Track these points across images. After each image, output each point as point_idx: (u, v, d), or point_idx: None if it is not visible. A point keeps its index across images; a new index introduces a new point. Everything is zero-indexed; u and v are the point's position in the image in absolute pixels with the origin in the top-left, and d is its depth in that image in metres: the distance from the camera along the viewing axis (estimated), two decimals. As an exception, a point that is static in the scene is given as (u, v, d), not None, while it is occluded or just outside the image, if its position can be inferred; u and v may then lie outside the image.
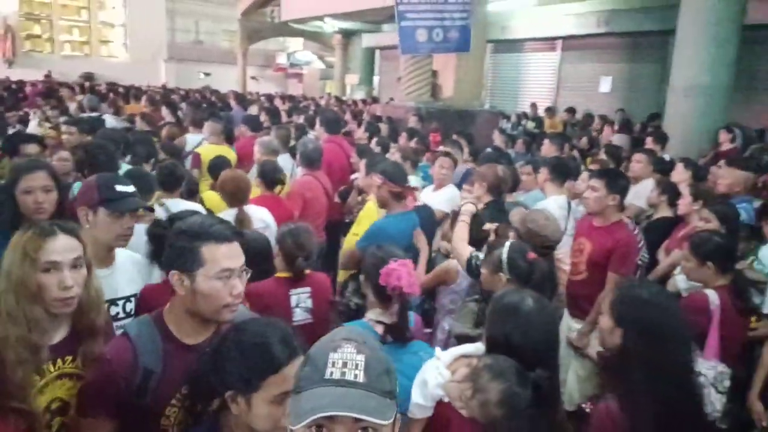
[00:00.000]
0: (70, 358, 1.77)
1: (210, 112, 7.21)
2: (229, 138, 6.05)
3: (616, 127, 9.67)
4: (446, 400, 1.75)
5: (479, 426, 1.62)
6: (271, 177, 4.00)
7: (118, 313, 2.26)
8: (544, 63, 14.36)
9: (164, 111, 8.54)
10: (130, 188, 2.32)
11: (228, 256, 1.64)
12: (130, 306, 2.30)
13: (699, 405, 1.88)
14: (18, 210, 2.55)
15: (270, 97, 14.73)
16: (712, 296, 2.67)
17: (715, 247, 2.73)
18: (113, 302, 2.24)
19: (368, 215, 3.71)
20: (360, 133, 7.51)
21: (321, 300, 2.78)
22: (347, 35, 19.10)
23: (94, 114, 7.71)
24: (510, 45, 14.88)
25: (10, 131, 6.11)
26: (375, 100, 15.70)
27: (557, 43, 13.85)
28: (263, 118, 7.89)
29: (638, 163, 4.99)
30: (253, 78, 27.13)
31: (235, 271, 1.66)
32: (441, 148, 6.08)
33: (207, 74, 26.88)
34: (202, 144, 5.61)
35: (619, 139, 8.71)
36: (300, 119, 8.72)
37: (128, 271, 2.33)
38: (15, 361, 1.59)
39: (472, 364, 1.73)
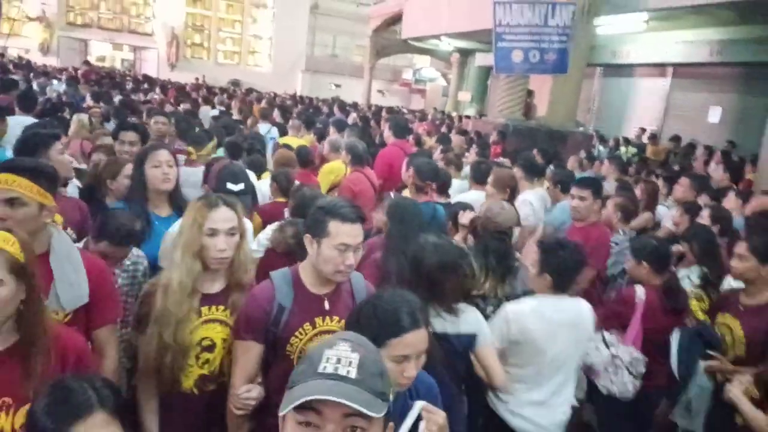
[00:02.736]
0: (222, 307, 2.12)
1: (306, 116, 8.33)
2: (321, 136, 7.31)
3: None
4: None
5: None
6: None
7: None
8: (652, 89, 13.90)
9: (276, 112, 9.84)
10: (239, 187, 2.83)
11: (348, 234, 1.96)
12: None
13: None
14: (145, 182, 2.90)
15: (378, 109, 15.86)
16: (640, 292, 2.98)
17: (651, 249, 3.04)
18: None
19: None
20: (432, 143, 8.14)
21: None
22: (464, 54, 19.69)
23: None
24: (619, 69, 14.58)
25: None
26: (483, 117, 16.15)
27: (667, 70, 13.38)
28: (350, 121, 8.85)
29: (680, 186, 5.13)
30: (379, 91, 28.62)
31: (351, 246, 1.97)
32: (500, 159, 6.56)
33: (338, 86, 28.76)
34: (271, 131, 7.12)
35: (714, 170, 8.50)
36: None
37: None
38: (176, 300, 2.02)
39: None
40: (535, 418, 2.55)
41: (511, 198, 4.11)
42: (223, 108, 11.04)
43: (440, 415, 1.51)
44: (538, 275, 2.60)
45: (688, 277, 3.31)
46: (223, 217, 2.07)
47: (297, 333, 2.01)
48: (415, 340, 1.58)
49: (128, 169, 3.22)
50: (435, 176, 4.40)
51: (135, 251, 2.62)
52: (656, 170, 8.35)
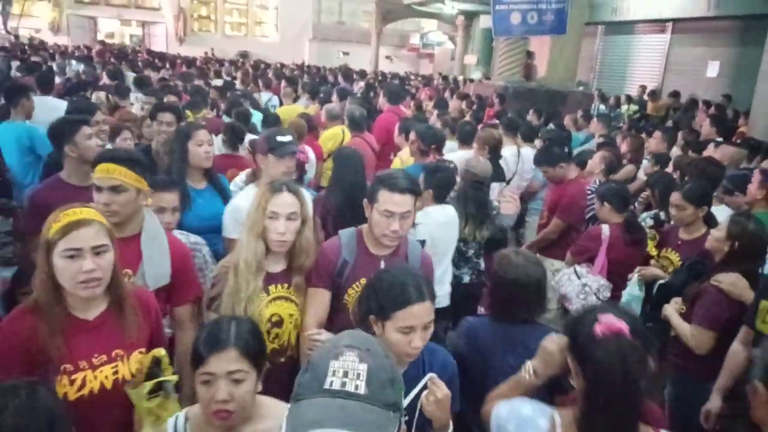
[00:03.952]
0: (286, 285, 2.27)
1: (311, 85, 8.72)
2: (324, 104, 7.57)
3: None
4: None
5: None
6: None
7: None
8: (653, 46, 13.98)
9: (283, 83, 10.21)
10: (288, 137, 2.89)
11: (394, 202, 2.13)
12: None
13: None
14: (187, 157, 3.10)
15: (384, 75, 16.10)
16: (605, 229, 3.45)
17: (612, 191, 3.48)
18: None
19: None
20: (430, 107, 8.50)
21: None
22: (468, 16, 19.69)
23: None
24: (620, 27, 14.64)
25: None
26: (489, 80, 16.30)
27: (667, 26, 13.42)
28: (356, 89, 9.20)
29: (654, 139, 5.50)
30: (387, 57, 28.58)
31: (396, 214, 2.14)
32: (494, 121, 6.93)
33: (345, 53, 28.68)
34: (272, 100, 7.86)
35: (706, 124, 8.74)
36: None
37: None
38: (244, 278, 2.15)
39: None
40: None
41: (493, 155, 4.52)
42: (228, 78, 11.50)
43: (442, 390, 1.62)
44: (424, 190, 3.23)
45: (649, 218, 3.73)
46: (284, 201, 2.17)
47: (354, 285, 2.24)
48: (421, 312, 1.64)
49: None
50: (436, 139, 4.82)
51: (193, 238, 2.74)
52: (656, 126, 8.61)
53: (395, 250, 2.29)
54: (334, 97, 7.99)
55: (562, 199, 4.14)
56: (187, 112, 5.23)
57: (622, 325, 1.36)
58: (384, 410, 1.01)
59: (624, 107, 11.82)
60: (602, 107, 11.71)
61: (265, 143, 2.88)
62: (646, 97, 12.20)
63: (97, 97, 6.53)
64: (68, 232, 1.63)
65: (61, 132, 3.09)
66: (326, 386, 1.01)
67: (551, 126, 7.31)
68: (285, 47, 27.90)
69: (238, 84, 9.65)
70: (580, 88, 11.50)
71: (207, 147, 3.14)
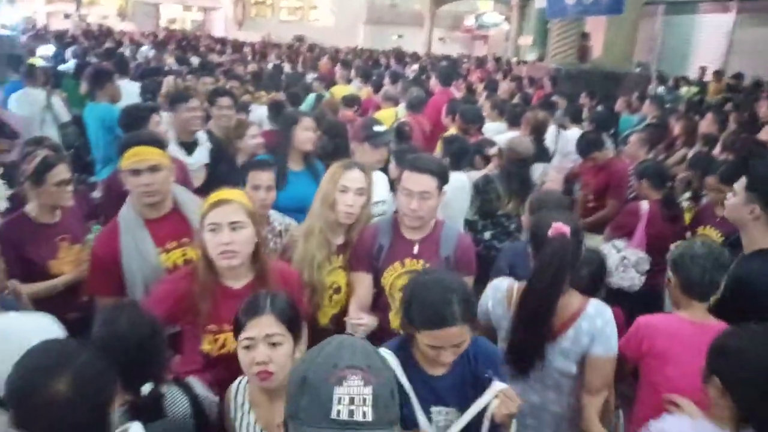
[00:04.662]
0: (344, 256, 2.48)
1: (363, 69, 9.04)
2: (377, 87, 7.86)
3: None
4: None
5: None
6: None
7: (377, 212, 2.94)
8: (716, 25, 13.48)
9: (338, 67, 10.54)
10: (383, 127, 3.09)
11: (413, 181, 2.22)
12: (383, 207, 3.12)
13: None
14: (291, 141, 3.28)
15: (442, 58, 16.19)
16: (644, 205, 3.60)
17: (650, 169, 3.61)
18: (375, 203, 2.87)
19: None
20: (479, 88, 8.62)
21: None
22: (524, -3, 19.44)
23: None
24: (682, 6, 14.17)
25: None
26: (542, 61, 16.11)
27: (731, 5, 12.93)
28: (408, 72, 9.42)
29: (705, 121, 5.51)
30: (440, 39, 28.45)
31: (414, 192, 2.21)
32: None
33: (400, 36, 28.71)
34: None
35: (765, 106, 8.48)
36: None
37: (381, 184, 3.08)
38: (317, 244, 2.37)
39: None
40: None
41: (538, 135, 4.68)
42: (278, 61, 11.97)
43: (515, 404, 1.63)
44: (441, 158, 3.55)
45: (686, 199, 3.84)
46: (354, 177, 2.38)
47: (389, 269, 2.36)
48: (449, 336, 1.59)
49: (253, 129, 3.82)
50: (476, 118, 5.02)
51: (288, 219, 2.84)
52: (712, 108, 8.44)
53: (430, 234, 2.36)
54: (386, 80, 8.24)
55: (611, 180, 4.29)
56: (261, 92, 5.63)
57: (566, 229, 1.94)
58: (389, 430, 1.02)
59: (684, 89, 11.51)
60: (661, 89, 11.46)
61: (361, 132, 3.03)
62: (707, 79, 11.85)
63: (168, 81, 7.00)
64: (212, 209, 1.91)
65: (134, 119, 3.33)
66: (333, 416, 0.98)
67: (599, 108, 7.31)
68: (339, 31, 28.12)
69: (292, 67, 10.09)
70: (637, 70, 11.25)
71: (311, 133, 3.32)
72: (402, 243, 2.36)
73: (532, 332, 2.00)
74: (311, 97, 6.71)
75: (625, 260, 3.54)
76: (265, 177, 2.75)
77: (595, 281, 2.57)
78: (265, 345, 1.60)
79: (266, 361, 1.59)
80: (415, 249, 2.33)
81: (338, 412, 0.98)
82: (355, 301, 2.35)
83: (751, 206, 2.25)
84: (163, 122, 3.86)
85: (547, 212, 2.13)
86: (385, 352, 1.70)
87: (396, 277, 2.35)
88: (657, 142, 4.92)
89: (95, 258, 2.33)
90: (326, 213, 2.37)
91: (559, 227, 1.94)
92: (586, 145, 4.43)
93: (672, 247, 3.45)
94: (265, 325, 1.61)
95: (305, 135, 3.30)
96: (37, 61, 7.14)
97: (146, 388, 1.61)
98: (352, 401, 0.99)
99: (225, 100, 4.26)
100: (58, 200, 2.56)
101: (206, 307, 1.95)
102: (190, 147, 3.72)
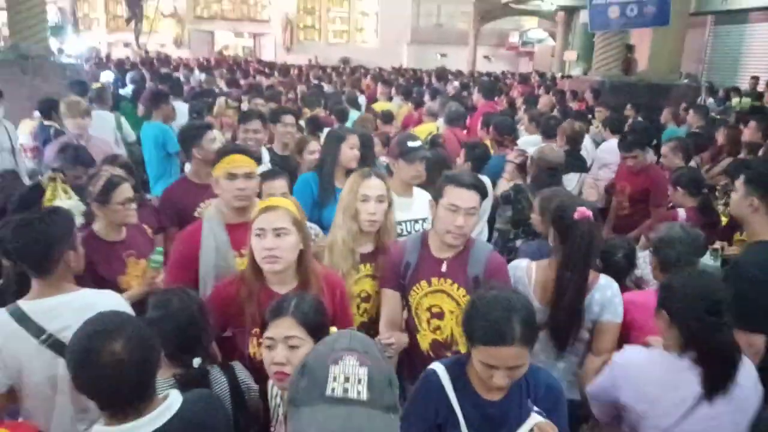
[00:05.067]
0: (373, 265, 2.47)
1: (404, 87, 9.28)
2: (417, 104, 8.12)
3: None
4: None
5: None
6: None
7: (418, 229, 2.93)
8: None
9: (380, 85, 10.81)
10: (418, 143, 3.02)
11: (459, 197, 2.15)
12: (425, 224, 2.97)
13: None
14: (337, 158, 3.29)
15: (482, 74, 16.29)
16: (681, 212, 3.59)
17: (685, 177, 3.60)
18: (415, 221, 2.98)
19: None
20: (520, 102, 8.66)
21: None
22: (569, 12, 19.30)
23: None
24: (732, 16, 13.78)
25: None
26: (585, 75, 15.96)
27: (784, 13, 12.54)
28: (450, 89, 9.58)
29: (748, 129, 5.41)
30: (485, 57, 28.54)
31: (461, 209, 2.14)
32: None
33: (443, 55, 28.91)
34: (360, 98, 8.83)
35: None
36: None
37: (423, 201, 2.87)
38: (341, 255, 2.37)
39: None
40: None
41: (574, 146, 4.73)
42: (316, 81, 12.69)
43: None
44: (464, 163, 4.08)
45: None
46: (373, 184, 2.39)
47: (415, 287, 2.30)
48: (504, 355, 1.53)
49: (313, 145, 4.03)
50: (509, 130, 5.09)
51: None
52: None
53: (460, 252, 2.27)
54: (426, 97, 8.43)
55: (652, 186, 4.26)
56: (305, 109, 6.10)
57: (590, 213, 2.15)
58: (386, 413, 1.01)
59: (735, 100, 11.20)
60: (710, 100, 11.19)
61: (396, 148, 3.04)
62: (760, 89, 11.48)
63: (219, 102, 7.39)
64: (260, 215, 1.98)
65: (191, 136, 3.49)
66: (328, 393, 0.99)
67: (639, 119, 7.24)
68: (384, 52, 28.55)
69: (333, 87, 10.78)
70: (685, 81, 11.03)
71: (357, 151, 3.35)
72: (430, 261, 2.29)
73: (571, 313, 2.20)
74: (354, 113, 6.98)
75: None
76: (277, 185, 2.83)
77: (629, 263, 2.84)
78: (284, 346, 1.63)
79: (283, 362, 1.61)
80: (444, 267, 2.26)
81: (333, 389, 0.99)
82: (384, 319, 2.35)
83: (749, 199, 2.36)
84: (217, 140, 4.07)
85: (568, 199, 2.33)
86: (437, 367, 1.73)
87: (422, 296, 2.30)
88: (698, 150, 4.86)
89: (176, 252, 2.46)
90: (349, 223, 2.39)
91: (584, 211, 2.12)
92: (632, 141, 4.38)
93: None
94: (284, 327, 1.64)
95: (351, 153, 3.32)
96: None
97: (196, 362, 1.80)
98: (347, 379, 0.99)
99: (289, 118, 4.44)
100: (123, 218, 2.66)
101: (252, 311, 2.00)
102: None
